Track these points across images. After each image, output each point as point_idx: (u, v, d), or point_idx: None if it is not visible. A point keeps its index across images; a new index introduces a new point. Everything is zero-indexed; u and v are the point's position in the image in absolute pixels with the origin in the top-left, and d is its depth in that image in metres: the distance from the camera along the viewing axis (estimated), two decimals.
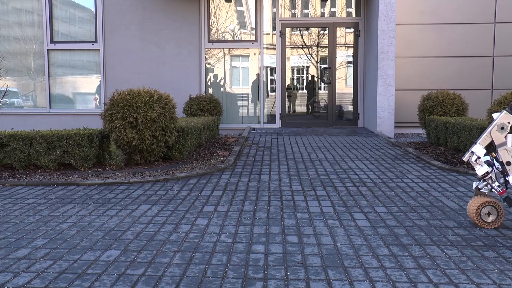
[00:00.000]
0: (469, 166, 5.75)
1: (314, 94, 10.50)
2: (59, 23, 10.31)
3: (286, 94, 10.45)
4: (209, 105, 8.97)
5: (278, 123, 10.41)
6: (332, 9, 10.38)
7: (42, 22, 10.26)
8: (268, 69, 10.43)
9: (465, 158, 3.05)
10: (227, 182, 5.01)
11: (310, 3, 10.38)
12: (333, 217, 3.68)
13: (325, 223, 3.52)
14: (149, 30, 10.13)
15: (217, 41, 10.31)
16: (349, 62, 10.45)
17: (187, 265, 2.69)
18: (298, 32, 10.41)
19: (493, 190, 3.03)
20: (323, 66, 10.43)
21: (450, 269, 2.62)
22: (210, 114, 9.00)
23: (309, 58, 10.44)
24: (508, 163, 3.05)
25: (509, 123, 3.04)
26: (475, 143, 3.07)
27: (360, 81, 10.38)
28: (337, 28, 10.34)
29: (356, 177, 5.26)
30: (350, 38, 10.39)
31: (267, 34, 10.36)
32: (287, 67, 10.43)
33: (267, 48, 10.36)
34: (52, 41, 10.27)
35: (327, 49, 10.39)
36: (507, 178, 3.07)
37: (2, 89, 10.34)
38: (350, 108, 10.52)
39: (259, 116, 10.41)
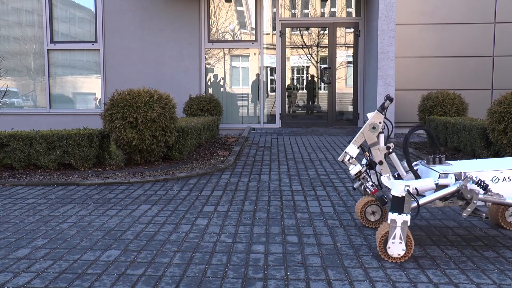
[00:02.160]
0: None
1: (314, 94, 10.50)
2: (59, 23, 10.31)
3: (286, 94, 10.45)
4: (209, 105, 8.97)
5: (278, 123, 10.41)
6: (332, 9, 10.38)
7: (42, 22, 10.26)
8: (268, 69, 10.42)
9: (339, 158, 3.07)
10: (227, 182, 5.01)
11: (310, 3, 10.38)
12: (333, 217, 3.68)
13: (325, 223, 3.52)
14: (149, 30, 10.13)
15: (217, 41, 10.31)
16: (349, 62, 10.45)
17: (187, 265, 2.69)
18: (298, 32, 10.41)
19: (367, 189, 3.03)
20: (323, 66, 10.43)
21: (450, 269, 2.62)
22: (210, 114, 9.00)
23: (309, 58, 10.44)
24: (381, 162, 3.06)
25: (380, 122, 3.04)
26: (349, 143, 3.09)
27: (360, 81, 10.38)
28: (337, 28, 10.34)
29: None
30: (350, 38, 10.38)
31: (267, 34, 10.36)
32: (287, 67, 10.43)
33: (267, 48, 10.36)
34: (52, 41, 10.27)
35: (327, 49, 10.39)
36: (379, 178, 3.06)
37: (2, 89, 10.34)
38: (350, 108, 10.52)
39: (259, 116, 10.41)
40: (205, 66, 10.33)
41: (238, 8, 10.37)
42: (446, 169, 2.93)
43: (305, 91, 10.53)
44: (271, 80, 10.44)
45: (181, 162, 6.15)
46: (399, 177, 3.22)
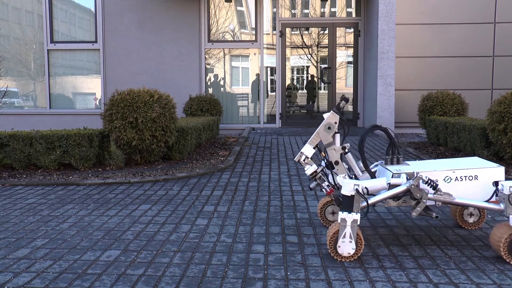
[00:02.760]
0: None
1: (314, 94, 10.50)
2: (59, 23, 10.31)
3: (286, 94, 10.45)
4: (209, 105, 8.97)
5: (278, 123, 10.41)
6: (332, 9, 10.38)
7: (42, 22, 10.27)
8: (268, 69, 10.43)
9: (295, 159, 3.08)
10: (227, 182, 5.01)
11: (310, 3, 10.38)
12: None
13: None
14: (149, 30, 10.13)
15: (217, 41, 10.31)
16: (349, 62, 10.45)
17: (187, 265, 2.69)
18: (298, 32, 10.41)
19: (323, 189, 3.05)
20: (323, 66, 10.43)
21: (450, 269, 2.62)
22: (210, 114, 9.00)
23: (309, 58, 10.44)
24: (336, 162, 3.07)
25: (335, 123, 3.05)
26: (306, 143, 3.10)
27: (360, 81, 10.38)
28: (337, 28, 10.34)
29: None
30: (350, 38, 10.39)
31: (267, 34, 10.36)
32: (287, 67, 10.43)
33: (267, 48, 10.36)
34: (52, 41, 10.27)
35: (327, 49, 10.39)
36: (335, 178, 3.07)
37: (2, 89, 10.34)
38: (350, 108, 10.52)
39: (259, 116, 10.42)
40: (205, 66, 10.33)
41: (238, 8, 10.37)
42: (401, 169, 2.95)
43: (305, 91, 10.54)
44: (271, 80, 10.44)
45: (181, 162, 6.15)
46: (355, 178, 3.22)
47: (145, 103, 5.74)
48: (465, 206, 2.92)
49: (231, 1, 10.35)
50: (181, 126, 6.29)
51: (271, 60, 10.38)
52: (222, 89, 10.45)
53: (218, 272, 2.59)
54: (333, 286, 2.41)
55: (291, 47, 10.41)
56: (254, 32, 10.33)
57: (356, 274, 2.56)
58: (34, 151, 5.63)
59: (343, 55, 10.43)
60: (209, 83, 10.43)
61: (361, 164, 3.22)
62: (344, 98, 3.03)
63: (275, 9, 10.35)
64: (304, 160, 3.04)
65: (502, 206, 2.75)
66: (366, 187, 2.79)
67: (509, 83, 10.25)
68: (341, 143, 3.11)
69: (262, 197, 4.35)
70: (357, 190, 2.71)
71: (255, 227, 3.42)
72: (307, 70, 10.49)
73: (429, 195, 2.79)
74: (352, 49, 10.40)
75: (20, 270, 2.64)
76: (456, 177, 2.87)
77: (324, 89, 10.48)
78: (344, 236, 2.71)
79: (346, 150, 3.10)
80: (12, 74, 10.41)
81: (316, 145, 3.08)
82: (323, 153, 3.14)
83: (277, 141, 8.08)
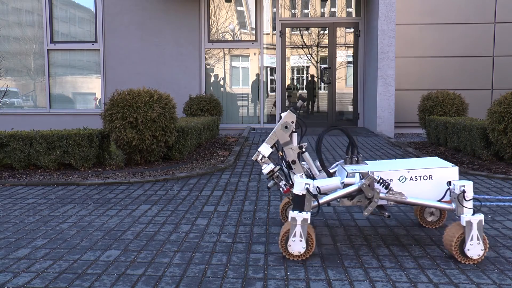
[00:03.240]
0: (469, 166, 5.75)
1: (314, 94, 10.50)
2: (59, 23, 10.31)
3: (286, 94, 10.45)
4: (209, 105, 8.97)
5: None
6: (332, 9, 10.38)
7: (42, 22, 10.27)
8: (268, 69, 10.43)
9: (253, 158, 3.09)
10: (227, 182, 5.01)
11: (310, 3, 10.38)
12: (333, 217, 3.68)
13: (325, 223, 3.52)
14: (149, 30, 10.14)
15: (217, 41, 10.31)
16: (349, 62, 10.45)
17: (187, 265, 2.69)
18: (298, 32, 10.41)
19: (280, 188, 3.06)
20: (323, 66, 10.43)
21: (450, 269, 2.62)
22: (210, 114, 9.00)
23: (309, 58, 10.44)
24: (294, 162, 3.07)
25: (292, 122, 3.06)
26: (263, 142, 3.11)
27: (360, 81, 10.38)
28: (337, 28, 10.34)
29: None
30: (350, 38, 10.39)
31: (267, 34, 10.36)
32: (287, 67, 10.43)
33: (267, 48, 10.36)
34: (52, 41, 10.27)
35: (327, 49, 10.39)
36: (292, 177, 3.08)
37: (2, 89, 10.34)
38: (350, 108, 10.52)
39: (259, 116, 10.42)
40: (205, 66, 10.33)
41: (238, 8, 10.38)
42: (358, 168, 2.96)
43: (305, 91, 10.54)
44: (271, 80, 10.44)
45: (181, 162, 6.15)
46: (313, 177, 3.23)
47: (145, 103, 5.74)
48: (417, 206, 2.93)
49: (231, 1, 10.35)
50: (181, 126, 6.29)
51: (271, 60, 10.38)
52: (222, 89, 10.46)
53: (218, 272, 2.59)
54: (333, 286, 2.41)
55: (291, 47, 10.41)
56: (254, 32, 10.33)
57: (356, 274, 2.56)
58: (34, 151, 5.63)
59: (343, 55, 10.44)
60: (209, 83, 10.43)
61: (318, 163, 3.23)
62: (301, 98, 3.05)
63: (275, 9, 10.35)
64: (261, 159, 3.04)
65: (454, 205, 2.77)
66: (318, 186, 2.82)
67: (509, 83, 10.25)
68: (299, 143, 3.12)
69: (262, 197, 4.35)
70: (307, 189, 2.71)
71: (255, 227, 3.42)
72: (307, 70, 10.49)
73: (381, 195, 2.80)
74: (352, 49, 10.40)
75: (20, 270, 2.64)
76: (411, 177, 2.88)
77: (324, 89, 10.48)
78: (295, 235, 2.72)
79: (303, 150, 3.11)
80: (12, 74, 10.41)
81: (274, 144, 3.09)
82: (280, 152, 3.13)
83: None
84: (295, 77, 10.52)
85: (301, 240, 2.71)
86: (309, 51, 10.43)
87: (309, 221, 2.71)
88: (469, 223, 2.65)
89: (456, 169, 2.89)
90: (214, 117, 8.77)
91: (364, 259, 2.78)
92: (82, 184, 4.98)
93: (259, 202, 4.18)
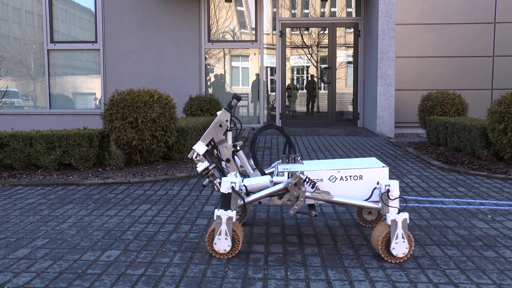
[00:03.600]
0: (469, 166, 5.75)
1: (314, 94, 10.50)
2: (59, 23, 10.32)
3: (286, 94, 10.45)
4: (209, 105, 8.97)
5: (278, 123, 10.41)
6: (332, 9, 10.38)
7: (42, 22, 10.27)
8: (268, 69, 10.43)
9: (189, 156, 3.11)
10: None
11: (310, 3, 10.38)
12: (333, 217, 3.68)
13: (325, 223, 3.52)
14: (149, 30, 10.14)
15: (217, 41, 10.31)
16: (349, 62, 10.45)
17: (187, 265, 2.69)
18: (298, 32, 10.41)
19: (215, 186, 3.08)
20: (323, 66, 10.44)
21: (450, 269, 2.62)
22: (210, 114, 9.00)
23: (309, 58, 10.44)
24: (228, 160, 3.11)
25: (227, 121, 3.09)
26: (198, 141, 3.14)
27: (360, 81, 10.38)
28: (337, 28, 10.34)
29: None
30: (350, 38, 10.39)
31: (267, 34, 10.36)
32: (287, 67, 10.43)
33: (267, 48, 10.36)
34: (52, 41, 10.27)
35: (327, 49, 10.40)
36: (226, 175, 3.12)
37: (2, 89, 10.34)
38: (350, 108, 10.52)
39: (259, 116, 10.42)
40: (205, 66, 10.33)
41: (238, 8, 10.38)
42: (290, 168, 2.99)
43: (305, 91, 10.54)
44: (271, 80, 10.44)
45: (181, 162, 6.15)
46: (247, 175, 3.25)
47: (145, 103, 5.74)
48: (344, 205, 2.96)
49: (231, 1, 10.35)
50: (181, 126, 6.29)
51: (271, 60, 10.38)
52: (222, 89, 10.46)
53: (218, 272, 2.59)
54: (333, 286, 2.41)
55: (291, 47, 10.41)
56: (254, 32, 10.33)
57: (356, 274, 2.56)
58: (34, 151, 5.63)
59: (343, 55, 10.44)
60: (209, 83, 10.43)
61: (252, 162, 3.27)
62: (236, 97, 3.08)
63: (275, 9, 10.35)
64: (196, 158, 3.07)
65: (380, 205, 2.79)
66: (245, 185, 2.86)
67: (509, 83, 10.25)
68: (234, 141, 3.16)
69: None
70: (232, 188, 2.75)
71: (255, 227, 3.42)
72: (307, 70, 10.50)
73: (308, 194, 2.84)
74: (352, 49, 10.40)
75: (20, 270, 2.64)
76: (341, 177, 2.91)
77: (324, 89, 10.48)
78: (220, 233, 2.75)
79: (238, 148, 3.14)
80: (12, 74, 10.41)
81: (209, 142, 3.12)
82: (215, 150, 3.17)
83: (277, 141, 8.09)
84: (295, 77, 10.52)
85: (226, 238, 2.75)
86: (309, 51, 10.43)
87: (234, 220, 2.74)
88: (394, 222, 2.68)
89: (386, 169, 2.92)
90: (214, 117, 8.77)
91: (364, 259, 2.78)
92: (82, 184, 4.98)
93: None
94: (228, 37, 10.37)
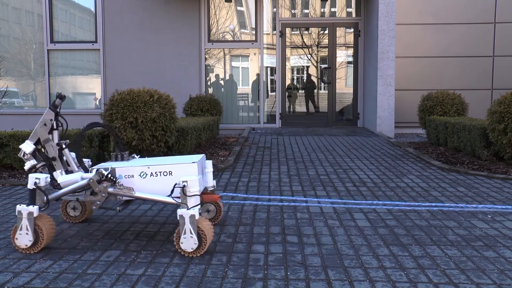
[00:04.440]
0: (469, 166, 5.76)
1: (314, 94, 10.50)
2: (59, 23, 10.31)
3: (286, 94, 10.45)
4: (209, 105, 8.97)
5: (278, 123, 10.41)
6: (332, 9, 10.38)
7: (42, 22, 10.27)
8: (268, 69, 10.43)
9: (19, 155, 3.18)
10: (227, 182, 5.01)
11: (310, 3, 10.38)
12: (333, 217, 3.68)
13: (325, 223, 3.52)
14: (149, 30, 10.13)
15: (217, 41, 10.31)
16: (349, 62, 10.45)
17: (187, 265, 2.69)
18: (298, 32, 10.41)
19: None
20: (323, 66, 10.43)
21: (450, 269, 2.62)
22: (210, 114, 9.00)
23: (309, 58, 10.44)
24: (54, 158, 3.17)
25: (51, 120, 3.17)
26: (26, 140, 3.20)
27: (360, 81, 10.38)
28: (337, 28, 10.34)
29: (356, 177, 5.26)
30: (350, 38, 10.39)
31: (267, 34, 10.36)
32: (287, 67, 10.43)
33: (267, 48, 10.36)
34: (52, 41, 10.27)
35: (327, 49, 10.39)
36: (53, 173, 3.18)
37: (2, 89, 10.34)
38: (350, 108, 10.51)
39: (259, 116, 10.42)
40: (205, 66, 10.33)
41: (238, 8, 10.37)
42: (115, 164, 3.06)
43: (305, 91, 10.53)
44: (271, 80, 10.44)
45: None
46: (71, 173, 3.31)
47: (145, 103, 5.74)
48: (147, 200, 3.03)
49: (231, 1, 10.35)
50: (181, 126, 6.29)
51: (271, 60, 10.38)
52: (222, 89, 10.46)
53: (218, 272, 2.59)
54: (333, 286, 2.41)
55: (291, 47, 10.41)
56: (254, 32, 10.33)
57: (356, 274, 2.56)
58: None
59: (343, 55, 10.44)
60: (209, 83, 10.43)
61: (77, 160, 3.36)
62: (60, 96, 3.14)
63: (275, 9, 10.35)
64: (24, 156, 3.15)
65: (179, 200, 2.86)
66: (54, 180, 3.01)
67: (509, 83, 10.25)
68: (62, 140, 3.24)
69: None
70: (35, 183, 2.86)
71: (255, 227, 3.42)
72: (307, 70, 10.49)
73: (110, 189, 2.92)
74: (352, 49, 10.40)
75: (20, 270, 2.64)
76: (151, 173, 2.97)
77: (324, 89, 10.48)
78: (21, 229, 2.84)
79: (64, 146, 3.22)
80: (12, 74, 10.41)
81: (37, 141, 3.18)
82: (42, 149, 3.23)
83: (277, 141, 8.09)
84: (295, 77, 10.52)
85: (27, 233, 2.83)
86: (309, 51, 10.43)
87: (35, 215, 2.83)
88: (182, 217, 2.76)
89: (194, 165, 2.96)
90: (214, 117, 8.77)
91: (364, 259, 2.78)
92: None
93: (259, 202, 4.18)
94: (228, 37, 10.37)
